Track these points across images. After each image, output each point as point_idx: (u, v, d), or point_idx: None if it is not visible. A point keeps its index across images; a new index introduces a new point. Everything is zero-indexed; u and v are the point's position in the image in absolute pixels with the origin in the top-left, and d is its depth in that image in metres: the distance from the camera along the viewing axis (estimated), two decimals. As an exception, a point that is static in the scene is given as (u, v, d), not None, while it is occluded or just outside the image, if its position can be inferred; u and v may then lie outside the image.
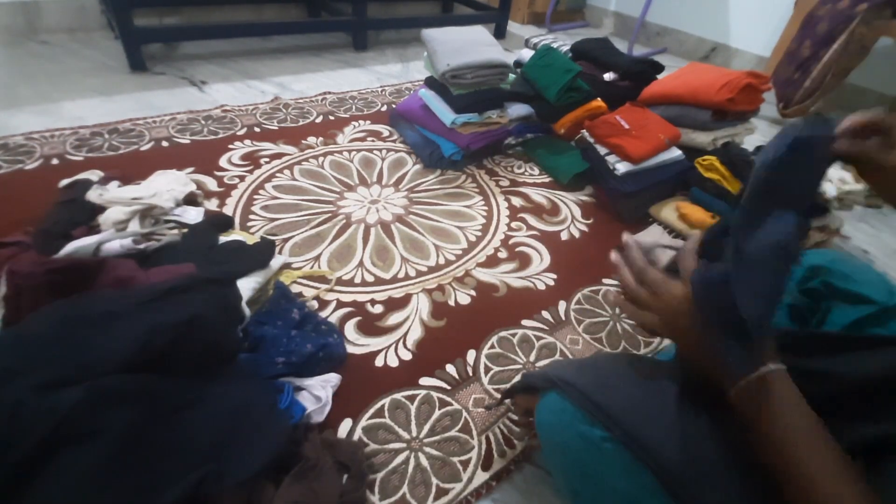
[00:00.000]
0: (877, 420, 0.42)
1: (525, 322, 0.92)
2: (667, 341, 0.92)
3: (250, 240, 0.97)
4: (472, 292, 0.97)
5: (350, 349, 0.82)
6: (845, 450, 0.40)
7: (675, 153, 1.26)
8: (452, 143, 1.32)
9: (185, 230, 0.96)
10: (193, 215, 1.01)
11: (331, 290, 0.93)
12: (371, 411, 0.73)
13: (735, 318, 0.40)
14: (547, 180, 1.38)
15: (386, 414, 0.73)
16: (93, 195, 0.95)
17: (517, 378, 0.81)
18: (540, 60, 1.44)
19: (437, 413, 0.74)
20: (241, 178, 1.19)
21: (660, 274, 0.49)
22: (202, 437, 0.53)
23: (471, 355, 0.84)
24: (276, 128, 1.43)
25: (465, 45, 1.30)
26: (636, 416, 0.46)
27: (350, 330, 0.86)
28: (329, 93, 1.70)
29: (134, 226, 0.92)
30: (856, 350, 0.48)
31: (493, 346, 0.87)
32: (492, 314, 0.93)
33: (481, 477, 0.67)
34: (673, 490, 0.42)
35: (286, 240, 1.03)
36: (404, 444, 0.69)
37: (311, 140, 1.40)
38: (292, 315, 0.81)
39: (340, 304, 0.90)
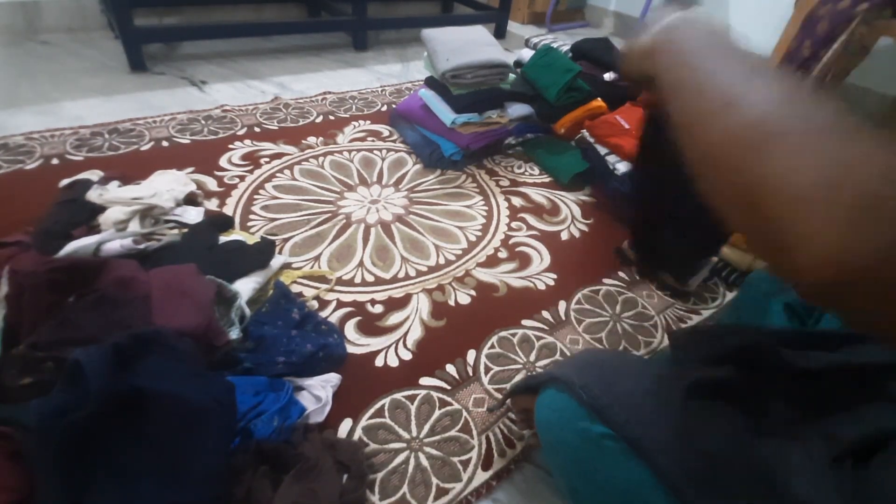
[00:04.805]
0: (870, 416, 0.43)
1: (525, 322, 0.92)
2: (665, 342, 0.92)
3: (250, 240, 0.97)
4: (472, 292, 0.97)
5: (350, 349, 0.82)
6: (842, 450, 0.40)
7: (675, 153, 1.26)
8: (452, 143, 1.32)
9: (185, 230, 0.96)
10: (193, 215, 1.01)
11: (331, 290, 0.93)
12: (371, 411, 0.73)
13: None
14: (547, 180, 1.38)
15: (386, 414, 0.73)
16: (93, 195, 0.95)
17: (517, 378, 0.81)
18: (540, 60, 1.44)
19: (437, 413, 0.74)
20: (242, 178, 1.19)
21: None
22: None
23: (471, 355, 0.84)
24: (277, 128, 1.43)
25: (465, 44, 1.30)
26: (636, 412, 0.46)
27: (350, 330, 0.86)
28: (329, 93, 1.70)
29: (134, 226, 0.92)
30: (851, 345, 0.48)
31: (493, 346, 0.87)
32: (492, 314, 0.93)
33: (481, 477, 0.67)
34: (673, 486, 0.42)
35: (286, 240, 1.03)
36: (404, 444, 0.70)
37: (311, 140, 1.40)
38: (292, 315, 0.81)
39: (340, 304, 0.90)
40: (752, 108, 0.29)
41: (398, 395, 0.76)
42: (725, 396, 0.49)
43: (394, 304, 0.92)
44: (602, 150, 1.26)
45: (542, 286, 1.01)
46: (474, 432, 0.72)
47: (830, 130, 0.26)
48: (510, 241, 1.13)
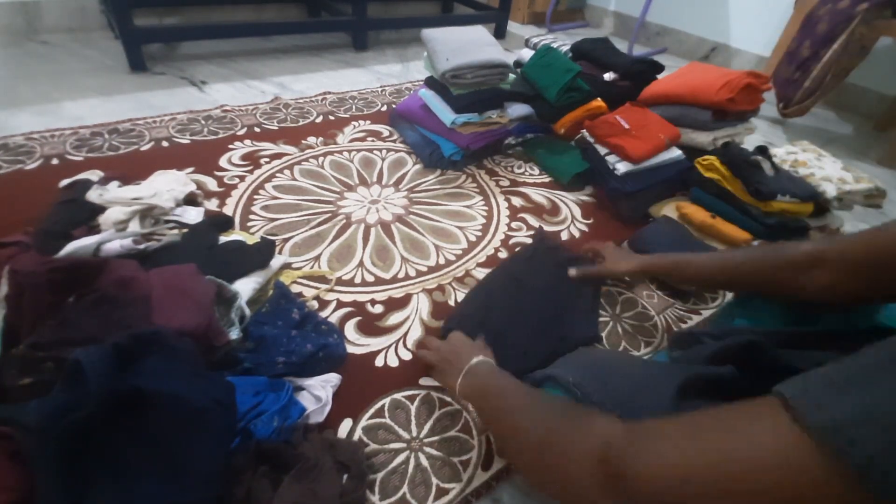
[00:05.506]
0: None
1: (525, 322, 0.92)
2: (665, 342, 0.92)
3: (250, 240, 0.97)
4: (472, 292, 0.97)
5: (350, 349, 0.82)
6: None
7: (675, 153, 1.26)
8: (452, 143, 1.32)
9: (185, 230, 0.96)
10: (193, 215, 1.01)
11: (331, 290, 0.93)
12: (371, 411, 0.73)
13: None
14: (547, 180, 1.38)
15: (386, 414, 0.73)
16: (93, 195, 0.95)
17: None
18: (540, 60, 1.44)
19: (437, 413, 0.74)
20: (242, 178, 1.19)
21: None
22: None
23: (471, 355, 0.84)
24: (276, 128, 1.43)
25: (465, 44, 1.30)
26: (628, 408, 0.46)
27: (350, 330, 0.86)
28: (329, 93, 1.70)
29: (134, 226, 0.92)
30: (847, 345, 0.48)
31: (493, 346, 0.87)
32: (492, 314, 0.93)
33: (481, 477, 0.67)
34: None
35: (286, 240, 1.03)
36: (404, 444, 0.70)
37: (311, 140, 1.40)
38: (292, 315, 0.81)
39: (340, 304, 0.90)
40: (512, 414, 0.52)
41: (398, 395, 0.76)
42: (719, 396, 0.49)
43: (394, 304, 0.92)
44: (602, 150, 1.26)
45: (542, 286, 1.01)
46: (474, 432, 0.72)
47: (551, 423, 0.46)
48: (510, 242, 1.13)
